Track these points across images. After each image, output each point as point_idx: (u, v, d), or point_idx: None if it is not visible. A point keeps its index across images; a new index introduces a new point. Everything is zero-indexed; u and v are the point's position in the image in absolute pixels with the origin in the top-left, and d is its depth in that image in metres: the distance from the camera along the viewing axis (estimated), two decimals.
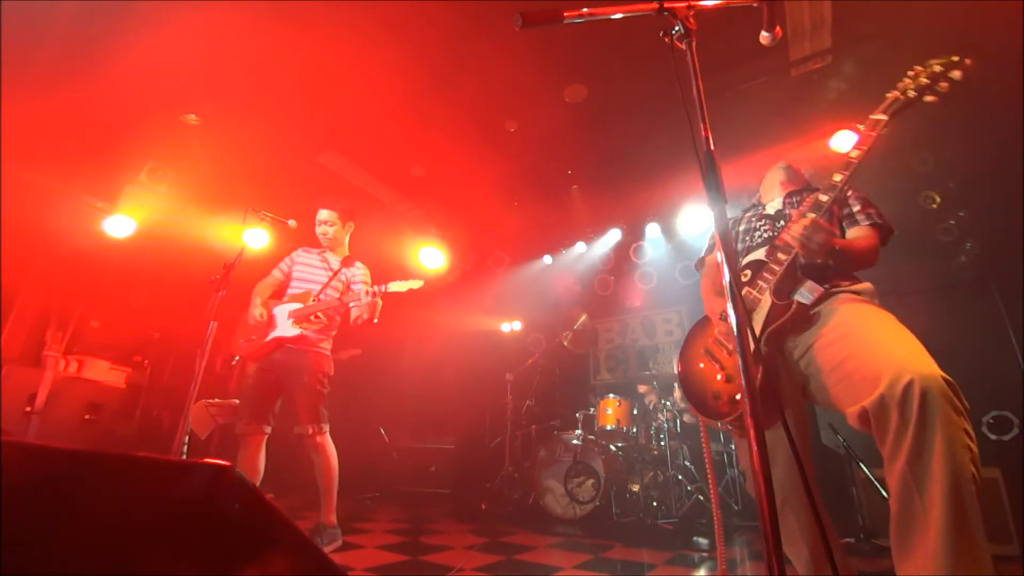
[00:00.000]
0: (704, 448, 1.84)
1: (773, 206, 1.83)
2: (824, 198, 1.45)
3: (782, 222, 1.71)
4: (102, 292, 5.32)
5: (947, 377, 1.14)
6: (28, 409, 4.29)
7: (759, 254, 1.61)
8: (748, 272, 1.59)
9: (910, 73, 1.46)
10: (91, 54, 3.42)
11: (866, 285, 1.51)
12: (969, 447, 1.10)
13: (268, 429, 2.66)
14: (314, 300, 2.79)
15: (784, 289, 1.48)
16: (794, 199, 1.77)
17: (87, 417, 4.62)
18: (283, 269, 2.98)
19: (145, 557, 0.50)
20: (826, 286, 1.47)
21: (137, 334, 5.50)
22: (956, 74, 1.36)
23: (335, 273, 2.90)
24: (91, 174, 4.68)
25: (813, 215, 1.44)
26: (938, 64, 1.41)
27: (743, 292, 1.55)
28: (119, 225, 4.75)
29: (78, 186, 4.83)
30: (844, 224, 1.66)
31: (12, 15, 3.07)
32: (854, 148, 1.45)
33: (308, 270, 2.93)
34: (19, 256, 4.46)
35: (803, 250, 1.42)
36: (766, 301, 1.48)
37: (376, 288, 2.70)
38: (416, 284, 2.75)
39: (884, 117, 1.46)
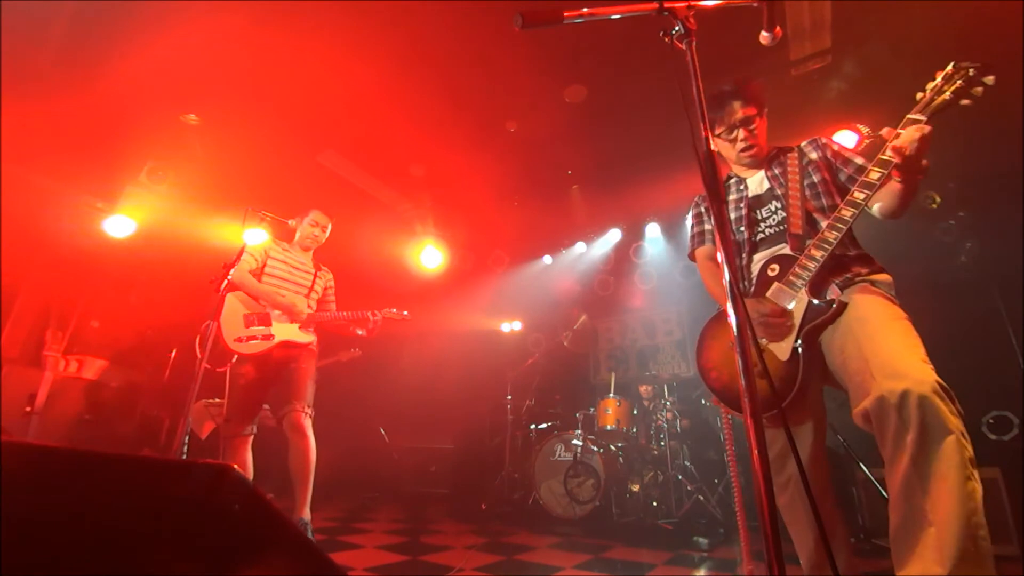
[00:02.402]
0: (728, 443, 1.82)
1: (756, 183, 1.78)
2: (831, 236, 1.41)
3: (776, 204, 1.68)
4: (102, 292, 5.32)
5: (942, 382, 1.17)
6: (28, 409, 4.29)
7: (783, 248, 1.59)
8: (776, 267, 1.57)
9: (945, 73, 1.36)
10: (91, 54, 3.42)
11: (885, 276, 1.51)
12: (966, 447, 1.12)
13: (253, 430, 2.64)
14: (309, 307, 2.90)
15: (819, 287, 1.47)
16: (776, 171, 1.73)
17: (87, 417, 4.62)
18: (257, 258, 2.86)
19: (145, 557, 0.50)
20: (847, 275, 1.49)
21: (137, 334, 5.50)
22: (990, 79, 1.30)
23: (315, 276, 3.01)
24: (91, 174, 4.68)
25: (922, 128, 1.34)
26: (971, 67, 1.32)
27: (774, 287, 1.53)
28: (119, 225, 4.76)
29: (78, 186, 4.82)
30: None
31: (12, 15, 3.07)
32: (890, 150, 1.35)
33: (288, 269, 2.92)
34: (19, 256, 4.46)
35: (913, 155, 1.32)
36: (803, 299, 1.47)
37: (375, 315, 2.91)
38: (405, 314, 3.01)
39: (923, 118, 1.35)
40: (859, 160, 1.59)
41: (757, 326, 1.53)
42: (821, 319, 1.43)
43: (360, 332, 2.91)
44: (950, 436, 1.11)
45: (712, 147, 1.00)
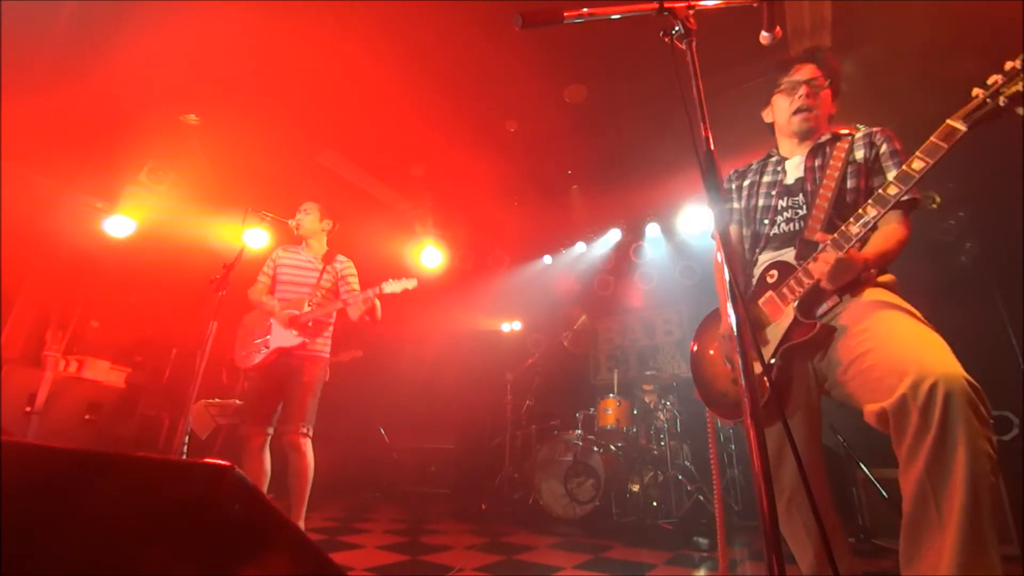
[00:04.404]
0: (711, 442, 1.82)
1: (793, 170, 1.63)
2: (855, 231, 1.30)
3: (801, 197, 1.56)
4: (102, 292, 5.32)
5: (972, 381, 1.09)
6: (28, 409, 4.29)
7: (788, 255, 1.50)
8: (775, 273, 1.50)
9: (1006, 70, 1.13)
10: (91, 54, 3.42)
11: (888, 277, 1.45)
12: (990, 455, 1.07)
13: (270, 431, 2.65)
14: (309, 304, 2.76)
15: (808, 305, 1.41)
16: (815, 162, 1.58)
17: (87, 417, 4.62)
18: (268, 272, 2.93)
19: (145, 557, 0.50)
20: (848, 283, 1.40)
21: (137, 334, 5.50)
22: None
23: (322, 271, 2.88)
24: (91, 174, 4.68)
25: (838, 252, 1.29)
26: None
27: (767, 296, 1.49)
28: (119, 225, 4.76)
29: (78, 186, 4.83)
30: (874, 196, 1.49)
31: (12, 15, 3.06)
32: (916, 159, 1.22)
33: (295, 271, 2.89)
34: (19, 256, 4.46)
35: (830, 287, 1.32)
36: (789, 314, 1.41)
37: (373, 291, 2.74)
38: (410, 284, 2.77)
39: (963, 128, 1.17)
40: (891, 175, 1.43)
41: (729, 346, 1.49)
42: (802, 340, 1.38)
43: (367, 318, 2.76)
44: (975, 441, 1.05)
45: (712, 147, 0.99)
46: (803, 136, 1.64)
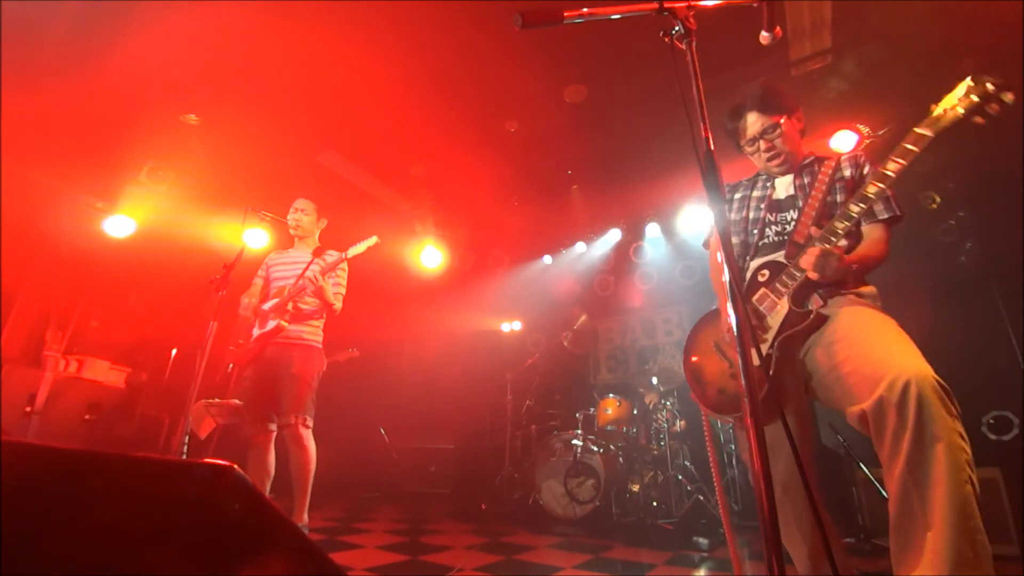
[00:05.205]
0: (708, 443, 1.81)
1: (782, 188, 1.73)
2: (840, 226, 1.41)
3: (793, 212, 1.64)
4: (102, 292, 5.32)
5: (940, 380, 1.16)
6: (28, 409, 4.29)
7: (779, 255, 1.58)
8: (767, 272, 1.58)
9: (959, 89, 1.32)
10: (91, 53, 3.42)
11: (870, 288, 1.53)
12: (964, 449, 1.12)
13: (274, 427, 2.67)
14: (288, 291, 2.80)
15: (802, 296, 1.48)
16: (805, 179, 1.68)
17: (87, 417, 4.62)
18: (261, 275, 3.01)
19: (145, 557, 0.50)
20: (831, 286, 1.49)
21: (137, 334, 5.50)
22: (1009, 97, 1.25)
23: (308, 264, 2.86)
24: (91, 174, 4.68)
25: (825, 245, 1.40)
26: (990, 83, 1.28)
27: (760, 292, 1.55)
28: (119, 225, 4.76)
29: (78, 186, 4.83)
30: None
31: (12, 14, 3.07)
32: (891, 161, 1.36)
33: (284, 268, 2.94)
34: (19, 256, 4.46)
35: (819, 277, 1.41)
36: (784, 306, 1.49)
37: (340, 255, 2.77)
38: (372, 241, 2.81)
39: (930, 134, 1.33)
40: (864, 192, 1.57)
41: (727, 343, 1.56)
42: (798, 328, 1.44)
43: (328, 297, 2.73)
44: (946, 440, 1.11)
45: (712, 147, 0.99)
46: (785, 171, 1.75)
